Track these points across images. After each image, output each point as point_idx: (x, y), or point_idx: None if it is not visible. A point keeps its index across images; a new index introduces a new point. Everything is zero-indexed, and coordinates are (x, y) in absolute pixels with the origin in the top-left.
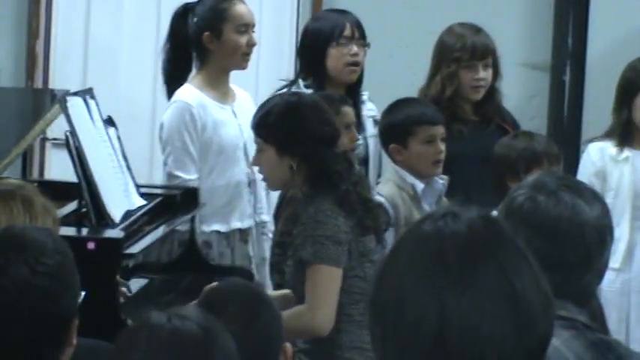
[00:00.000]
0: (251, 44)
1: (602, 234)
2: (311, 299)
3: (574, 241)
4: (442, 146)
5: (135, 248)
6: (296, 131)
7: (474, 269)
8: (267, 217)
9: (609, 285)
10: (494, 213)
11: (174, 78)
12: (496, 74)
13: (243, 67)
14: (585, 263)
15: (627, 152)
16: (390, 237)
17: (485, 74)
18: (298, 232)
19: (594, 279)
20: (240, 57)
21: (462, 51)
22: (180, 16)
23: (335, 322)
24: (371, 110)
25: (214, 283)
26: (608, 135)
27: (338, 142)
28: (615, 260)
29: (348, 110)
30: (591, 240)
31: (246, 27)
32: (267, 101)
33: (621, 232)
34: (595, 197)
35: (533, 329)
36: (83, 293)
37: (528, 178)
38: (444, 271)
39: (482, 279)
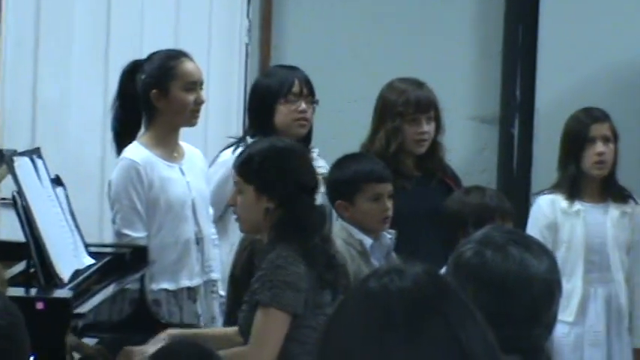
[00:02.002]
0: (199, 102)
1: (550, 288)
2: (255, 340)
3: (522, 295)
4: (389, 203)
5: (84, 307)
6: (277, 173)
7: (420, 325)
8: (217, 275)
9: (563, 338)
10: (444, 269)
11: (123, 136)
12: (438, 128)
13: (192, 125)
14: (534, 318)
15: (578, 205)
16: None
17: (428, 128)
18: (258, 276)
19: (543, 333)
20: (189, 114)
21: (405, 105)
22: (129, 74)
23: None
24: (321, 167)
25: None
26: (556, 188)
27: (317, 193)
28: (569, 314)
29: None
30: (540, 294)
31: (194, 84)
32: (254, 143)
33: (574, 286)
34: (543, 251)
35: None
36: (32, 358)
37: (476, 233)
38: (390, 328)
39: (429, 335)
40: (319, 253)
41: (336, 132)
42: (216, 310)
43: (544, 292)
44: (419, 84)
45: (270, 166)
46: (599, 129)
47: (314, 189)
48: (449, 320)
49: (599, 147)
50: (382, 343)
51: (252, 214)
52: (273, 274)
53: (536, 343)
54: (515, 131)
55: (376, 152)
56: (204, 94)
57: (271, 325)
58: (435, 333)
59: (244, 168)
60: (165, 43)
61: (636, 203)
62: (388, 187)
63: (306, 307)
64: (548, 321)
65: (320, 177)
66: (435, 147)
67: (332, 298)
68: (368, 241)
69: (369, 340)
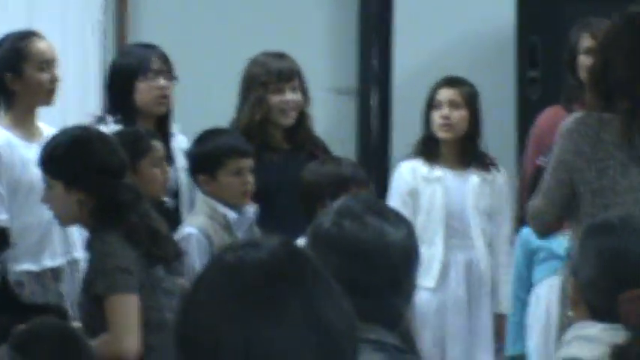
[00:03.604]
0: (54, 80)
1: (408, 256)
2: (114, 328)
3: (381, 264)
4: (250, 178)
5: None
6: (81, 165)
7: (277, 297)
8: (80, 254)
9: (425, 304)
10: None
11: None
12: (305, 99)
13: (49, 104)
14: (393, 286)
15: (439, 172)
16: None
17: (293, 97)
18: (90, 268)
19: (403, 301)
20: (45, 94)
21: (267, 75)
22: None
23: None
24: (181, 142)
25: (24, 324)
26: (414, 153)
27: (125, 173)
28: (430, 280)
29: (158, 145)
30: (398, 262)
31: (48, 63)
32: (53, 137)
33: (435, 252)
34: (400, 219)
35: (339, 354)
36: None
37: (334, 203)
38: (247, 301)
39: (286, 307)
40: (142, 231)
41: (197, 108)
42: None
43: (402, 260)
44: (280, 55)
45: (73, 159)
46: (446, 93)
47: (121, 170)
48: (306, 292)
49: (445, 110)
50: (240, 316)
51: (66, 208)
52: (104, 263)
53: (397, 311)
54: (373, 102)
55: (243, 125)
56: (59, 72)
57: (122, 311)
58: (292, 304)
59: (48, 166)
60: (18, 23)
61: (498, 171)
62: (249, 162)
63: (142, 289)
64: (408, 289)
65: (181, 151)
66: (303, 119)
67: (166, 271)
68: (231, 214)
69: (228, 314)
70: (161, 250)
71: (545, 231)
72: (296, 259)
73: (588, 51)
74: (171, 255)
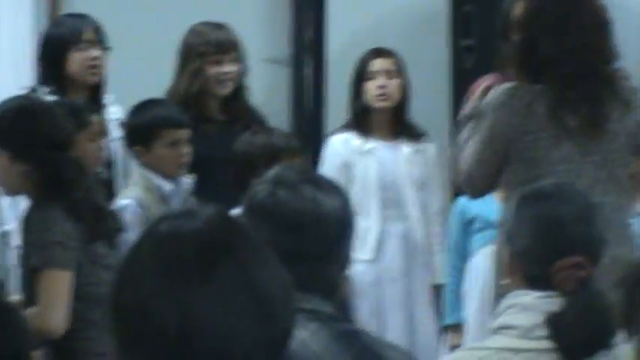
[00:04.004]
0: None
1: (343, 225)
2: (43, 303)
3: (316, 233)
4: (186, 149)
5: None
6: (27, 137)
7: (212, 266)
8: (10, 226)
9: (362, 276)
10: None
11: None
12: (243, 70)
13: None
14: (328, 255)
15: (372, 143)
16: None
17: (231, 68)
18: (27, 240)
19: (338, 270)
20: None
21: (206, 46)
22: None
23: (75, 330)
24: (115, 113)
25: None
26: (347, 126)
27: (71, 146)
28: (367, 251)
29: (96, 119)
30: (333, 232)
31: None
32: None
33: (370, 224)
34: (335, 189)
35: (276, 322)
36: None
37: (268, 173)
38: (182, 271)
39: (222, 275)
40: (85, 207)
41: (131, 78)
42: (13, 262)
43: (337, 229)
44: (219, 26)
45: (19, 131)
46: (380, 63)
47: (67, 143)
48: (241, 260)
49: (380, 80)
50: (176, 287)
51: (10, 178)
52: (43, 237)
53: (332, 280)
54: (307, 72)
55: (179, 95)
56: None
57: (53, 286)
58: (228, 273)
59: None
60: None
61: (428, 140)
62: (185, 133)
63: (82, 265)
64: (343, 258)
65: (115, 122)
66: (240, 90)
67: (108, 247)
68: (167, 186)
69: (163, 285)
70: (103, 227)
71: (479, 193)
72: (232, 229)
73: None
74: (113, 231)
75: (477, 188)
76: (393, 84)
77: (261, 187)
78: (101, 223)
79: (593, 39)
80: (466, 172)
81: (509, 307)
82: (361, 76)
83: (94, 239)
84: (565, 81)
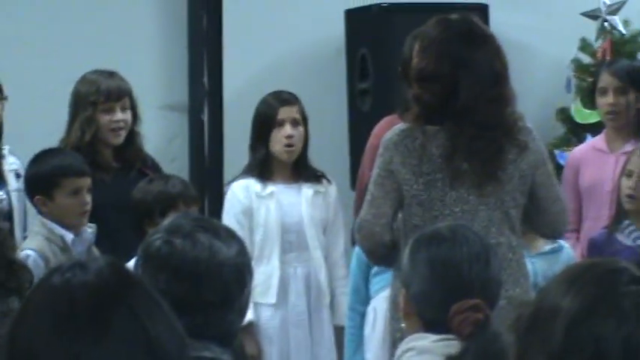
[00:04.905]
0: None
1: (241, 273)
2: None
3: (213, 281)
4: (88, 197)
5: None
6: None
7: (105, 318)
8: None
9: (268, 321)
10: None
11: None
12: (135, 117)
13: None
14: (226, 303)
15: (271, 187)
16: None
17: (123, 116)
18: None
19: (236, 318)
20: None
21: (97, 94)
22: None
23: None
24: (13, 164)
25: None
26: (248, 172)
27: None
28: (271, 296)
29: None
30: (230, 279)
31: None
32: None
33: (273, 268)
34: (231, 236)
35: None
36: None
37: (164, 222)
38: (76, 323)
39: (115, 327)
40: None
41: (26, 128)
42: None
43: (235, 276)
44: (110, 74)
45: None
46: (287, 112)
47: None
48: (134, 311)
49: (288, 130)
50: (68, 339)
51: None
52: None
53: (230, 328)
54: (205, 118)
55: (72, 144)
56: None
57: None
58: (121, 325)
59: None
60: None
61: (329, 182)
62: (87, 181)
63: None
64: (241, 306)
65: (12, 173)
66: (133, 137)
67: (20, 300)
68: (69, 236)
69: (55, 337)
70: (16, 282)
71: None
72: (123, 280)
73: None
74: (25, 285)
75: (373, 235)
76: (300, 133)
77: (156, 236)
78: (14, 278)
79: (504, 89)
80: (360, 219)
81: (407, 350)
82: (267, 123)
83: (7, 295)
84: (459, 121)
